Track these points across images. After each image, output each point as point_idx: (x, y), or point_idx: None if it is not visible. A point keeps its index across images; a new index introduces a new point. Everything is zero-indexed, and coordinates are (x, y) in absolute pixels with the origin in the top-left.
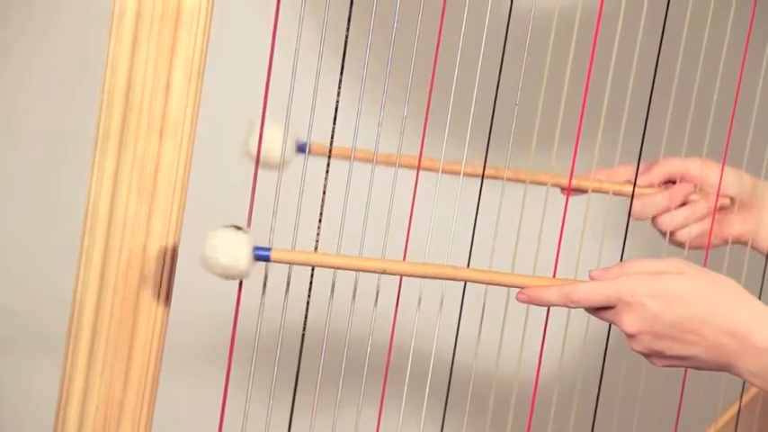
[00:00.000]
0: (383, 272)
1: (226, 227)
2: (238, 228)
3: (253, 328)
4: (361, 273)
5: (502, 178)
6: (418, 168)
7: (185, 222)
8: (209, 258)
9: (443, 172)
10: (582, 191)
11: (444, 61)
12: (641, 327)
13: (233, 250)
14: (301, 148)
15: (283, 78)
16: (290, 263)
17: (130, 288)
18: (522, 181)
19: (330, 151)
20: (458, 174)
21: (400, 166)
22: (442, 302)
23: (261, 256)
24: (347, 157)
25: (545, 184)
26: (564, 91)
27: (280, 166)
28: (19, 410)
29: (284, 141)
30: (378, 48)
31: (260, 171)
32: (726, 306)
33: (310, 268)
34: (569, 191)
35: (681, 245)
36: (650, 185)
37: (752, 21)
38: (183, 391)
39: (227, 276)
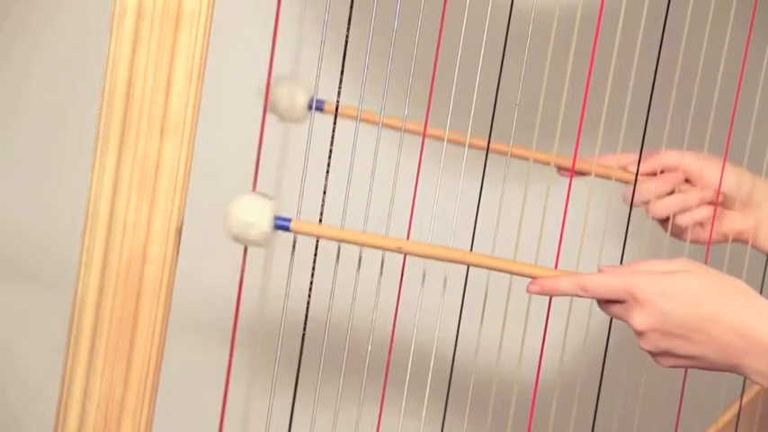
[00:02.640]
0: (399, 250)
1: (253, 192)
2: (265, 195)
3: (253, 326)
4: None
5: (506, 153)
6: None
7: (186, 222)
8: (232, 215)
9: (449, 141)
10: (583, 173)
11: (445, 61)
12: (650, 324)
13: (257, 211)
14: (314, 105)
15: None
16: (308, 234)
17: (131, 287)
18: (527, 158)
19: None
20: (463, 144)
21: (406, 130)
22: (442, 301)
23: (281, 225)
24: (353, 118)
25: (547, 163)
26: (564, 90)
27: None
28: (19, 410)
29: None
30: (378, 47)
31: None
32: (734, 306)
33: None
34: (572, 172)
35: (681, 232)
36: (644, 174)
37: (752, 20)
38: (183, 390)
39: (246, 238)
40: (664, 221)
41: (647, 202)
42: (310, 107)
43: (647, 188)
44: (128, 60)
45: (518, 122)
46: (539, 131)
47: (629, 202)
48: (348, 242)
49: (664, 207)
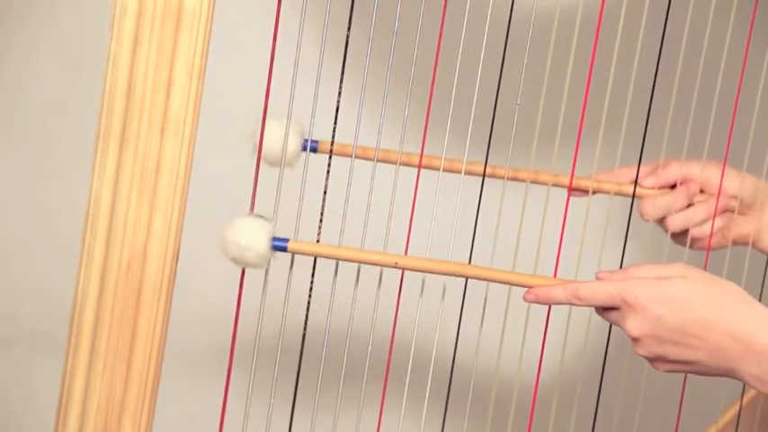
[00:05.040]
0: (395, 265)
1: (249, 214)
2: (261, 216)
3: (254, 328)
4: (361, 275)
5: (502, 177)
6: (419, 168)
7: (186, 221)
8: (229, 240)
9: (444, 170)
10: (585, 191)
11: (445, 61)
12: (645, 330)
13: (253, 234)
14: (310, 148)
15: (285, 78)
16: (306, 254)
17: (131, 287)
18: (523, 180)
19: (331, 151)
20: (458, 172)
21: (401, 164)
22: (442, 303)
23: (279, 246)
24: (349, 155)
25: (545, 183)
26: (565, 91)
27: (281, 164)
28: (19, 411)
29: (285, 141)
30: (379, 48)
31: (264, 169)
32: (729, 310)
33: (311, 268)
34: (570, 190)
35: (685, 239)
36: (653, 188)
37: (752, 21)
38: (183, 391)
39: (244, 261)
40: (678, 234)
41: (663, 217)
42: (304, 148)
43: (664, 203)
44: (128, 60)
45: (518, 124)
46: (539, 133)
47: (647, 217)
48: (345, 260)
49: (681, 221)
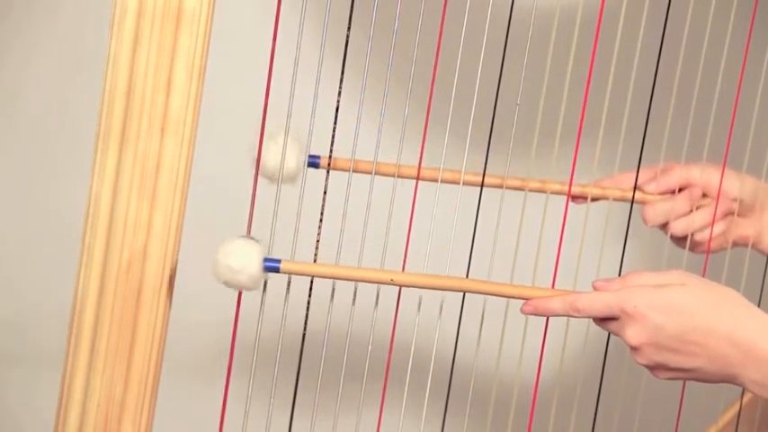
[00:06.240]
0: (390, 282)
1: (240, 236)
2: (252, 238)
3: (254, 329)
4: (359, 288)
5: (502, 187)
6: (418, 176)
7: (186, 221)
8: (220, 263)
9: (443, 181)
10: (584, 197)
11: (445, 61)
12: (644, 339)
13: (244, 257)
14: (312, 163)
15: (285, 78)
16: (298, 274)
17: (131, 287)
18: (523, 189)
19: (331, 152)
20: (458, 183)
21: (400, 176)
22: (442, 304)
23: (271, 267)
24: (347, 170)
25: (545, 191)
26: (565, 91)
27: (279, 182)
28: (20, 412)
29: (284, 143)
30: (379, 48)
31: (262, 179)
32: (728, 316)
33: (308, 281)
34: (569, 197)
35: (700, 247)
36: (655, 194)
37: (752, 21)
38: (183, 392)
39: (237, 284)
40: (679, 238)
41: (664, 223)
42: (310, 165)
43: (666, 209)
44: (128, 60)
45: (518, 124)
46: (539, 133)
47: (649, 223)
48: (340, 278)
49: (683, 226)
